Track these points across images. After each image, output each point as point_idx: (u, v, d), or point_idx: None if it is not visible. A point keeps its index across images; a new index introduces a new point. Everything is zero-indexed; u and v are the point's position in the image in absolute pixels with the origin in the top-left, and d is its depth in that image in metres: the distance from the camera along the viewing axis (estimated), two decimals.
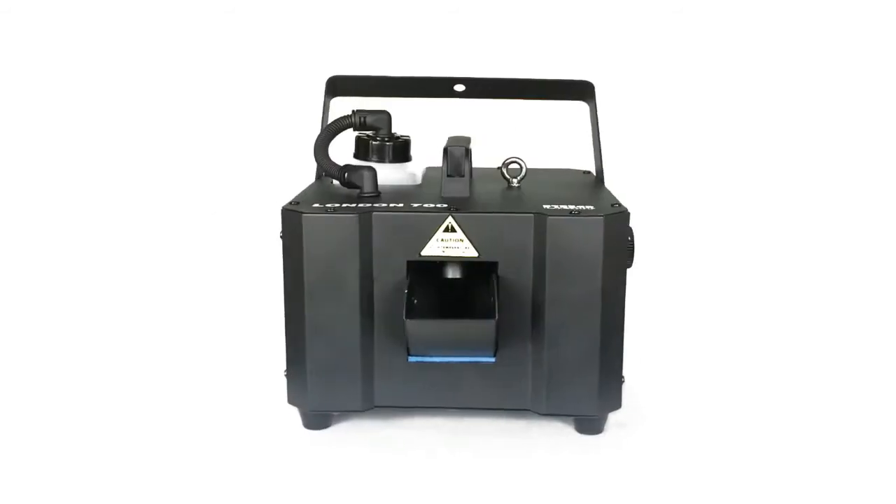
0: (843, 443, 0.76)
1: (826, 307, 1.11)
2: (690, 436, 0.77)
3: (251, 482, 0.68)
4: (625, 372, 0.76)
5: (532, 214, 0.72)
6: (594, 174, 0.89)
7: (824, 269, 1.22)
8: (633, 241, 0.84)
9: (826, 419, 0.81)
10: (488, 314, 0.69)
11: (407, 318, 0.70)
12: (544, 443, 0.75)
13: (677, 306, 1.12)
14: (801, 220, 1.29)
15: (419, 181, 0.85)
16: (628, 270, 0.74)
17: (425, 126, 0.89)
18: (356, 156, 0.83)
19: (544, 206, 0.73)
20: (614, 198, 0.79)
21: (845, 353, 0.97)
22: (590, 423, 0.76)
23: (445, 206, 0.74)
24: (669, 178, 1.28)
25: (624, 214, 0.73)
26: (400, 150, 0.83)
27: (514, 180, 0.85)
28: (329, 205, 0.73)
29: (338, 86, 0.91)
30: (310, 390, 0.74)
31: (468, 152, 0.79)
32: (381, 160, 0.82)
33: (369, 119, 0.83)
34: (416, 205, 0.74)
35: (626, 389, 0.77)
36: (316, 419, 0.76)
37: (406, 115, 0.91)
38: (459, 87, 0.93)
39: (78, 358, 0.93)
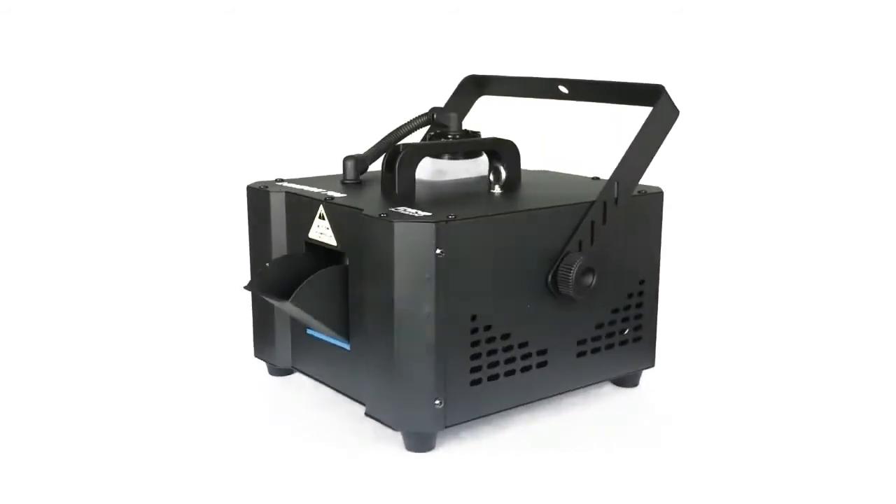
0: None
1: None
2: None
3: (196, 410, 0.83)
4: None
5: (361, 211, 0.72)
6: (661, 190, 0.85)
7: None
8: (574, 271, 0.76)
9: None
10: (284, 296, 0.73)
11: (245, 287, 0.78)
12: (363, 446, 0.75)
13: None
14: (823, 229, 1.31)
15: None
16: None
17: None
18: None
19: (391, 209, 0.72)
20: (502, 209, 0.73)
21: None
22: (419, 440, 0.73)
23: (328, 195, 0.78)
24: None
25: (427, 227, 0.68)
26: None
27: (497, 186, 0.82)
28: (277, 183, 0.84)
29: (474, 84, 0.97)
30: (253, 341, 0.87)
31: (404, 152, 0.80)
32: (454, 157, 0.88)
33: (441, 118, 0.89)
34: (316, 191, 0.80)
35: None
36: (273, 368, 0.88)
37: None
38: (563, 89, 0.91)
39: (74, 324, 1.06)
